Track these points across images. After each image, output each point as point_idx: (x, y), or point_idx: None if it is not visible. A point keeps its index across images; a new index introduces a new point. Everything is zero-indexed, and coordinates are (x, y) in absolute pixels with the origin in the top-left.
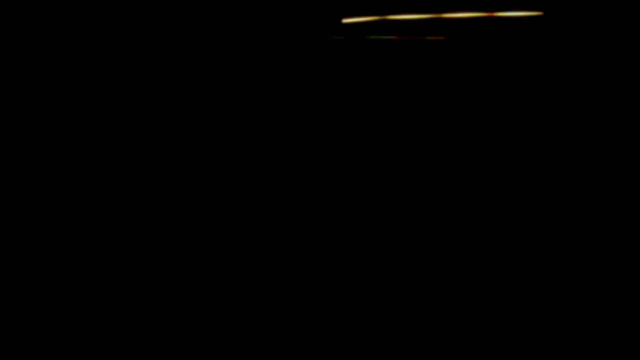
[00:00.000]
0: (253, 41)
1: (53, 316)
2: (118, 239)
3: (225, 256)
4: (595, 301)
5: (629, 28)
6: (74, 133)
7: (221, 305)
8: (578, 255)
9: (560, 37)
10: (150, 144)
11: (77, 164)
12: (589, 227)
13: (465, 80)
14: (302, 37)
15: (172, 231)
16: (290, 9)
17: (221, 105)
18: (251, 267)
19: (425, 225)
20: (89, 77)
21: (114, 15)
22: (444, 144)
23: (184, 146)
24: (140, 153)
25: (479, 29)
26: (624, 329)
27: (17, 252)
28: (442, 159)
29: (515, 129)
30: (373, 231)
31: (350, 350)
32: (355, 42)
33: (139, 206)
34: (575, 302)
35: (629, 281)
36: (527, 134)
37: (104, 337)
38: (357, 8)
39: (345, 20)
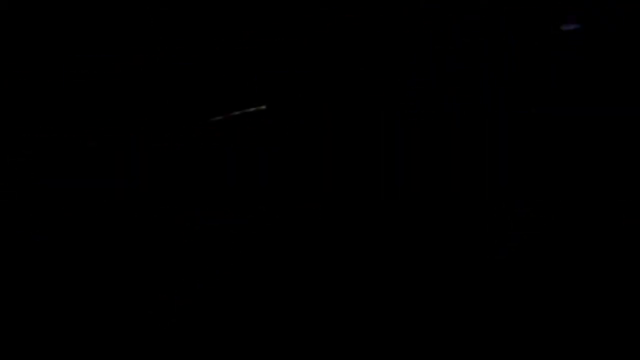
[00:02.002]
0: (251, 41)
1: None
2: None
3: (220, 259)
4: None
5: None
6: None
7: (219, 307)
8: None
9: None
10: (147, 143)
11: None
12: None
13: (465, 80)
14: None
15: (171, 230)
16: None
17: (214, 104)
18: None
19: (424, 228)
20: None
21: (110, 20)
22: (444, 143)
23: (182, 144)
24: (139, 152)
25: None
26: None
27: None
28: (442, 158)
29: (516, 129)
30: (372, 231)
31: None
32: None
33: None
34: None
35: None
36: (528, 133)
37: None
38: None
39: None
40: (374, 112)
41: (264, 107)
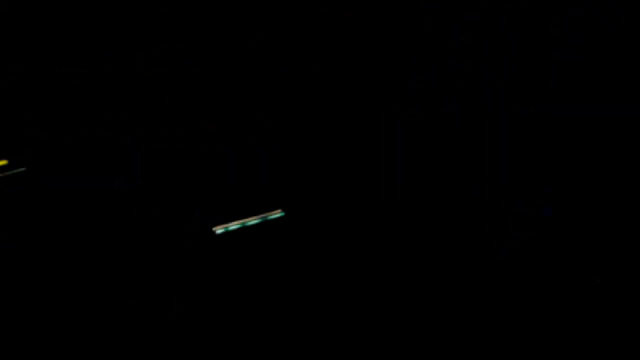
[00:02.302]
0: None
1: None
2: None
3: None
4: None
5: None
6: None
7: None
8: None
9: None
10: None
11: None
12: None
13: (465, 80)
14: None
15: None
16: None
17: (216, 105)
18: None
19: (424, 228)
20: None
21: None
22: (444, 143)
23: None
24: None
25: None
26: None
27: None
28: (442, 158)
29: (516, 128)
30: (370, 233)
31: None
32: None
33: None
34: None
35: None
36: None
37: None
38: None
39: None
40: (374, 112)
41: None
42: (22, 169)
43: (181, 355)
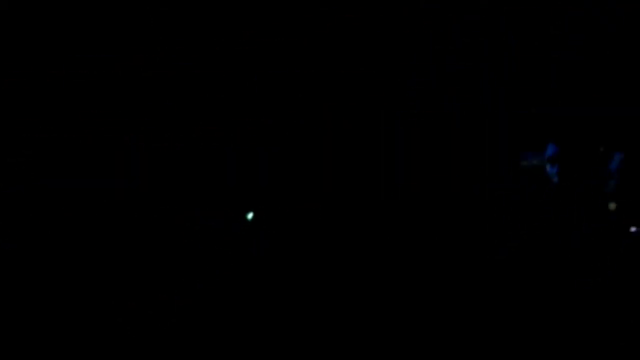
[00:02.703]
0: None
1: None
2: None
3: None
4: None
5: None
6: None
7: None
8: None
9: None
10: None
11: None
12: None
13: (465, 80)
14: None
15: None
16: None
17: (216, 105)
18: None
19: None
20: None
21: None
22: (444, 143)
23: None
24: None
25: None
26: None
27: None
28: (442, 158)
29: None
30: (370, 235)
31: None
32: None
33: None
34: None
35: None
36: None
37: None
38: None
39: None
40: (374, 112)
41: None
42: None
43: (181, 355)
